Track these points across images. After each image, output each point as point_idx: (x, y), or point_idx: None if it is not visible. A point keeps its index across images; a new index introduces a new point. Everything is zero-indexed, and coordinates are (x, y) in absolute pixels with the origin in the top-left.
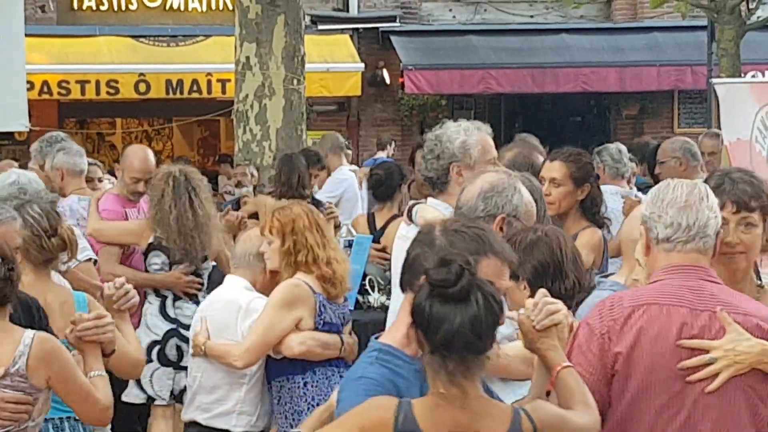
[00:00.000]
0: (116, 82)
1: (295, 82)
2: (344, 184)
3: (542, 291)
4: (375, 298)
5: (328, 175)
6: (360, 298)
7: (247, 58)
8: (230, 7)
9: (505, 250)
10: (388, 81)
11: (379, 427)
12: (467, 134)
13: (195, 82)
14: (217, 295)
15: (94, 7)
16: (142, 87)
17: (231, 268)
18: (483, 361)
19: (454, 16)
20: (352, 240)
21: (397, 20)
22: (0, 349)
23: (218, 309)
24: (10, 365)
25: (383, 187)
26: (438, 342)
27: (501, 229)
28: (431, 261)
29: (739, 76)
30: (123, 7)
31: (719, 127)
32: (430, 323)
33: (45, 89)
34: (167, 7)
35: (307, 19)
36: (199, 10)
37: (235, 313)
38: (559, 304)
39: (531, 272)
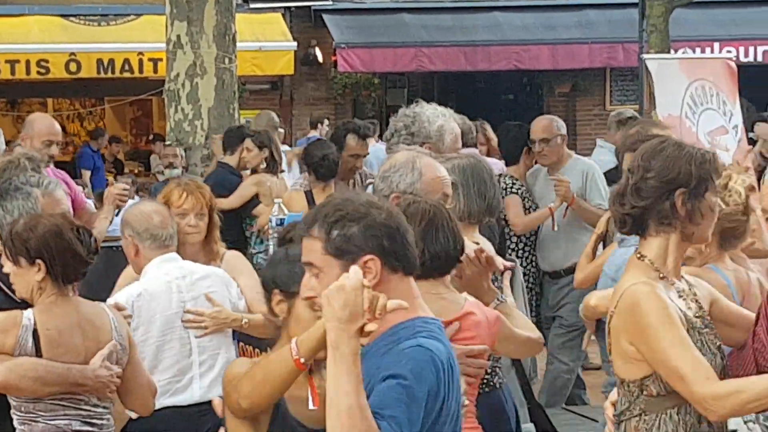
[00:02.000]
0: (47, 62)
1: (226, 60)
2: None
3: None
4: None
5: None
6: None
7: (178, 36)
8: None
9: None
10: (320, 59)
11: None
12: (445, 120)
13: (126, 61)
14: (200, 273)
15: None
16: (73, 67)
17: (162, 248)
18: None
19: None
20: (283, 219)
21: None
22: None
23: (214, 284)
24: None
25: (327, 166)
26: None
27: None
28: None
29: (668, 52)
30: None
31: (652, 104)
32: None
33: None
34: None
35: None
36: None
37: (225, 285)
38: None
39: None
